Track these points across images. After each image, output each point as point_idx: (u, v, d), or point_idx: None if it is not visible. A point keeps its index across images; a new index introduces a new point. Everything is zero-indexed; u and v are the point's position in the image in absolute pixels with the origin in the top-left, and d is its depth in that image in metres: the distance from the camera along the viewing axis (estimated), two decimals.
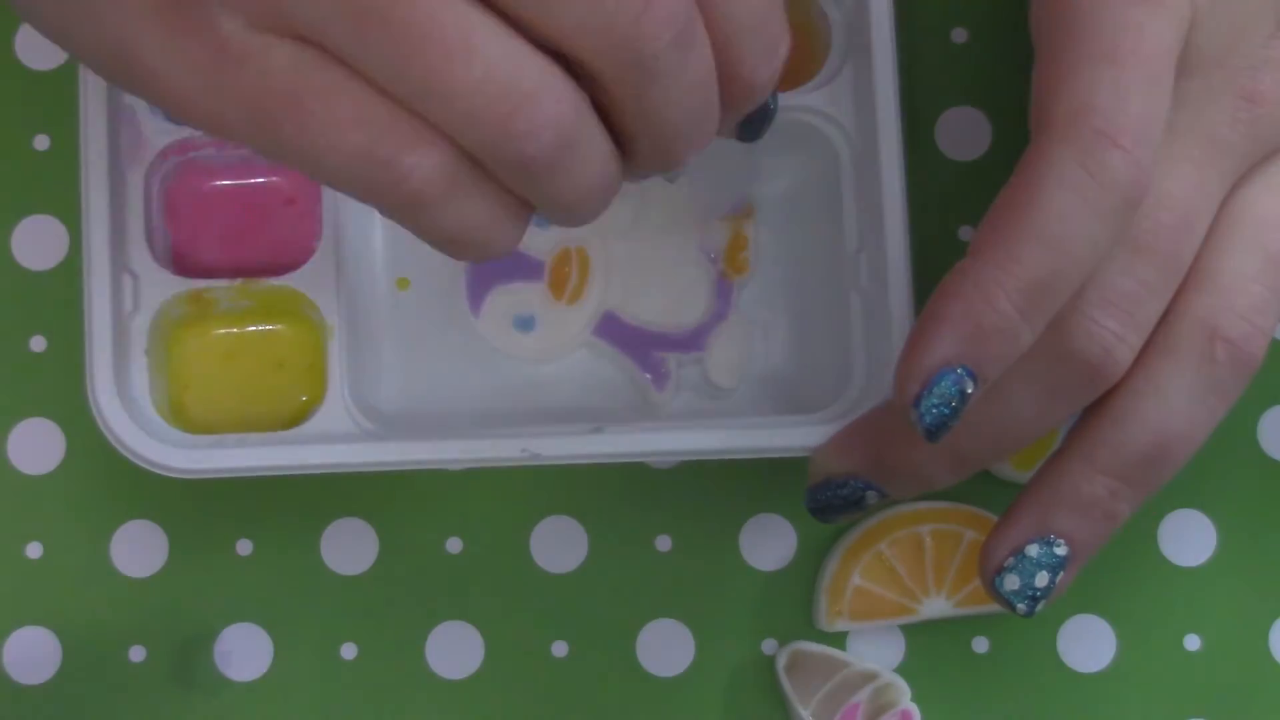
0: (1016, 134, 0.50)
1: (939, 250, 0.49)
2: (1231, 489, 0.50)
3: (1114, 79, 0.39)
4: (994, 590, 0.42)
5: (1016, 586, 0.42)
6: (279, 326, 0.47)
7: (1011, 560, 0.42)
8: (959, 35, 0.50)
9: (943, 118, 0.50)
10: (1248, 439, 0.50)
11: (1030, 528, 0.42)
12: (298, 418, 0.46)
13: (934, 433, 0.39)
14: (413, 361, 0.48)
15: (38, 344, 0.49)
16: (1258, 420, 0.50)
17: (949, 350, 0.38)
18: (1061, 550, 0.42)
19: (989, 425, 0.41)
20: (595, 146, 0.34)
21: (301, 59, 0.33)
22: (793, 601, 0.49)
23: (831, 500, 0.44)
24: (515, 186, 0.34)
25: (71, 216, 0.49)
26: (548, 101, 0.33)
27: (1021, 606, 0.42)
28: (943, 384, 0.38)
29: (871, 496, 0.43)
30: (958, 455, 0.42)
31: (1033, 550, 0.42)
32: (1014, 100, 0.50)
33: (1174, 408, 0.41)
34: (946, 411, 0.39)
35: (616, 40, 0.33)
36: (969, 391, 0.39)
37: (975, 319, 0.38)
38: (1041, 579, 0.42)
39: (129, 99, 0.46)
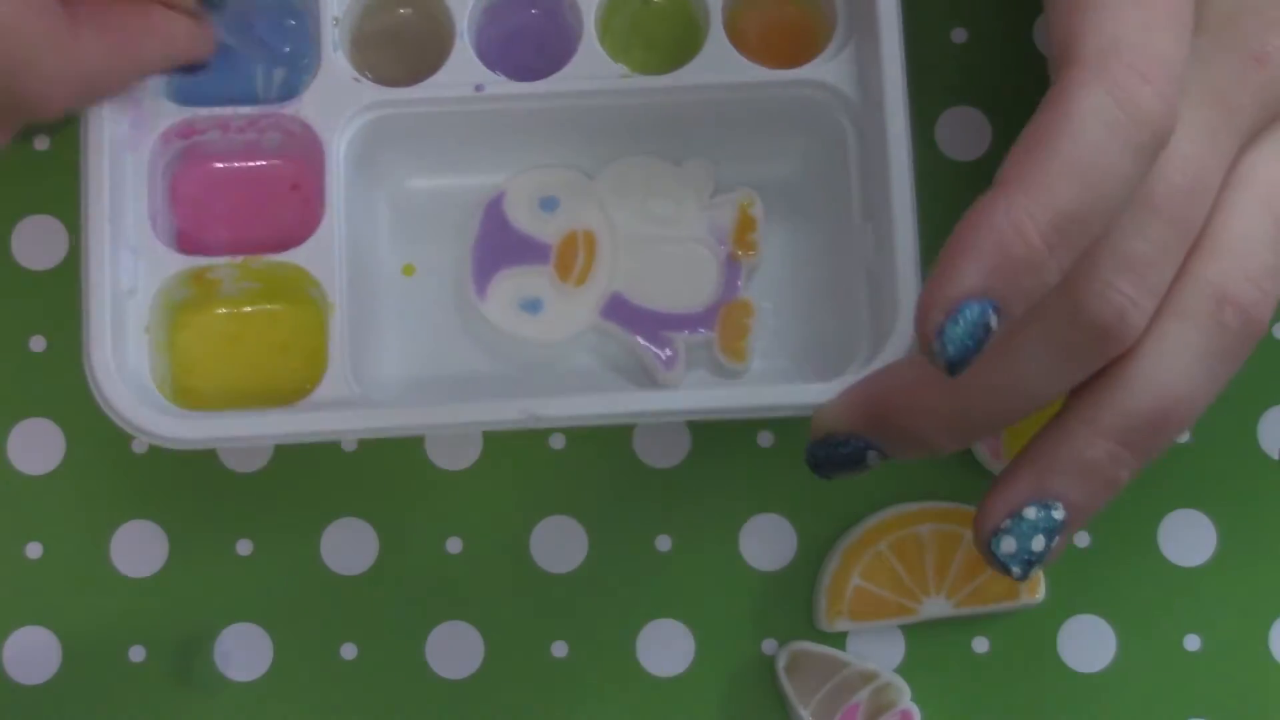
0: (1016, 134, 0.50)
1: (939, 250, 0.49)
2: (1231, 489, 0.50)
3: (1142, 19, 0.38)
4: (989, 552, 0.41)
5: (1013, 550, 0.41)
6: (282, 308, 0.47)
7: (1008, 523, 0.41)
8: (959, 35, 0.50)
9: (943, 118, 0.50)
10: (1248, 439, 0.50)
11: (1029, 489, 0.41)
12: (299, 399, 0.46)
13: (956, 365, 0.38)
14: (418, 344, 0.48)
15: (38, 344, 0.49)
16: (1258, 420, 0.50)
17: (976, 280, 0.37)
18: (1059, 514, 0.41)
19: (997, 388, 0.40)
20: None
21: None
22: (793, 601, 0.49)
23: (832, 457, 0.43)
24: None
25: (71, 216, 0.49)
26: None
27: (1016, 570, 0.41)
28: (967, 314, 0.38)
29: (873, 457, 0.42)
30: (962, 418, 0.41)
31: (1031, 513, 0.41)
32: (1014, 100, 0.50)
33: (1180, 373, 0.40)
34: (970, 343, 0.37)
35: None
36: (994, 326, 0.38)
37: (1005, 250, 0.37)
38: (1038, 543, 0.41)
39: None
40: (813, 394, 0.44)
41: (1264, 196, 0.41)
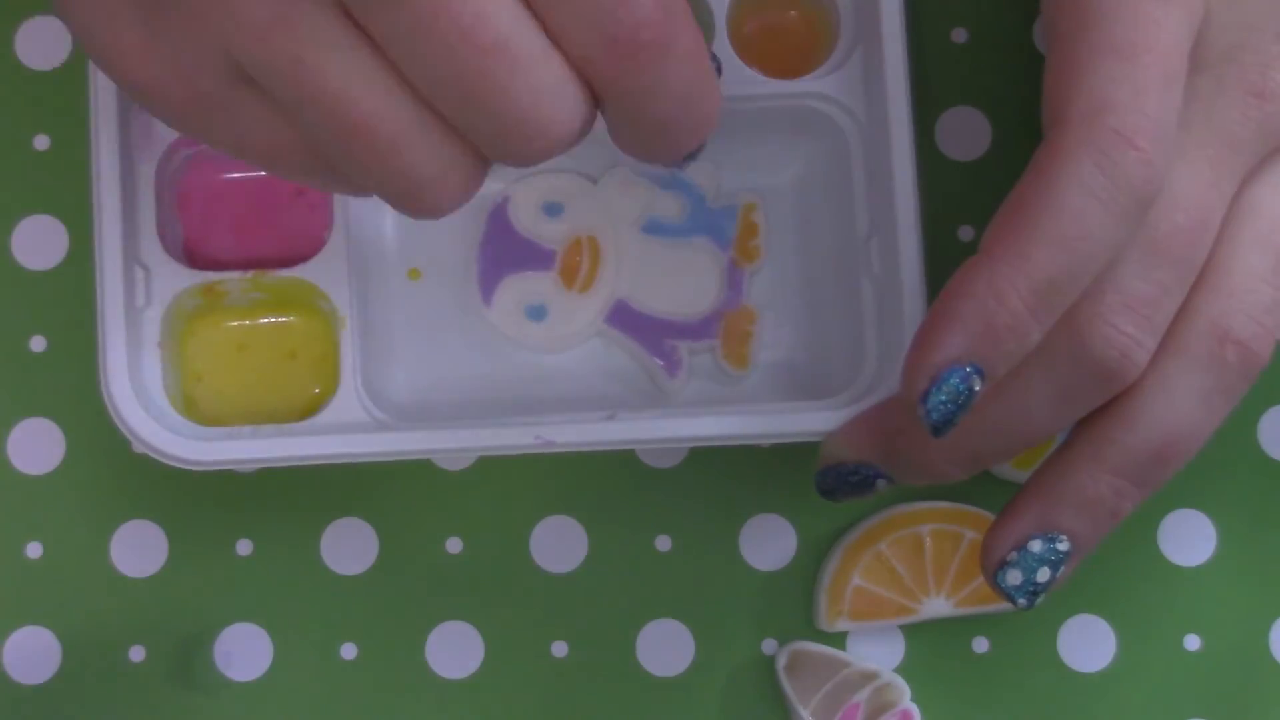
0: (1016, 134, 0.50)
1: (939, 250, 0.49)
2: (1231, 489, 0.50)
3: (1130, 76, 0.39)
4: (995, 584, 0.42)
5: (1019, 581, 0.42)
6: (291, 318, 0.47)
7: (1014, 555, 0.42)
8: (959, 35, 0.50)
9: (943, 118, 0.50)
10: (1248, 439, 0.50)
11: (1034, 523, 0.42)
12: (310, 409, 0.46)
13: (940, 428, 0.39)
14: (424, 351, 0.48)
15: (38, 344, 0.49)
16: (1258, 420, 0.50)
17: (958, 348, 0.38)
18: (1064, 546, 0.42)
19: (1002, 424, 0.41)
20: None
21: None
22: (793, 601, 0.49)
23: (841, 484, 0.44)
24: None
25: (71, 216, 0.49)
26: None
27: (1022, 601, 0.42)
28: (950, 381, 0.39)
29: (882, 484, 0.43)
30: (969, 452, 0.42)
31: (1036, 546, 0.42)
32: (1014, 100, 0.50)
33: (1182, 409, 0.41)
34: (954, 408, 0.39)
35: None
36: (976, 389, 0.39)
37: (986, 317, 0.38)
38: (1043, 574, 0.42)
39: None
40: (821, 421, 0.45)
41: (1264, 232, 0.41)
